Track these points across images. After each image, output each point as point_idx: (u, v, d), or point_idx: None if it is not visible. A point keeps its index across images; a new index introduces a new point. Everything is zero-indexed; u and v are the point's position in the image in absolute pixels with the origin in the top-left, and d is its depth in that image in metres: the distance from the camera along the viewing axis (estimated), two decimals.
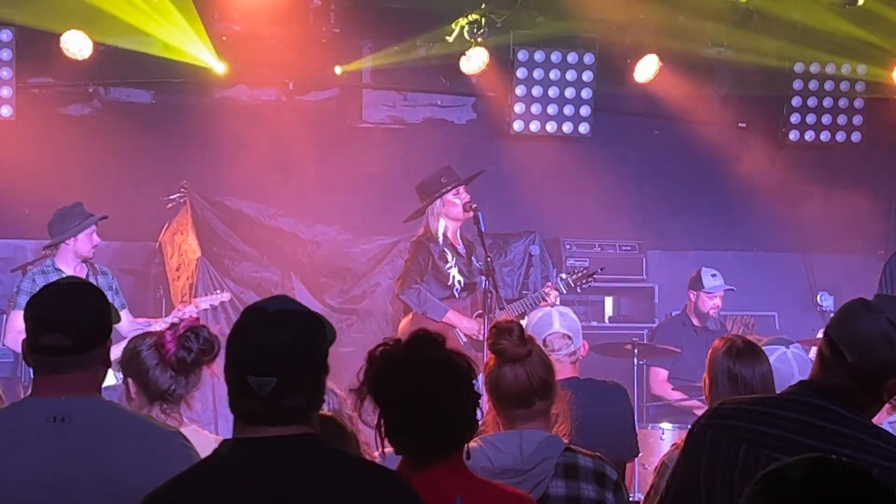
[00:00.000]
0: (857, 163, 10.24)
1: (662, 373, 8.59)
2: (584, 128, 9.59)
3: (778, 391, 4.14)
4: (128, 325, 7.43)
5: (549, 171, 9.61)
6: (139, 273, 9.22)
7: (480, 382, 3.61)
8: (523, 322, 5.28)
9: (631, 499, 5.95)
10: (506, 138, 9.72)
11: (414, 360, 2.90)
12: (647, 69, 9.45)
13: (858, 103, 9.99)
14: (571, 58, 9.50)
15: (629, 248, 9.78)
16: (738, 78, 10.19)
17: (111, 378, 4.73)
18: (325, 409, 3.39)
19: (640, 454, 5.63)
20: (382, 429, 2.89)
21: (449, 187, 7.60)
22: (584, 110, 9.58)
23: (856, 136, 10.03)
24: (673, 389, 8.50)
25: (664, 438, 7.27)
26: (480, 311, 7.43)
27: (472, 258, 7.75)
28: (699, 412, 3.43)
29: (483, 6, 9.10)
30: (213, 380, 4.28)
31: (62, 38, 8.50)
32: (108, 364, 3.09)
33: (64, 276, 6.23)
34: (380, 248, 9.30)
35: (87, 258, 7.60)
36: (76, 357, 2.99)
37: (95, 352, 3.03)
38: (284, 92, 9.63)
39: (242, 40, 9.10)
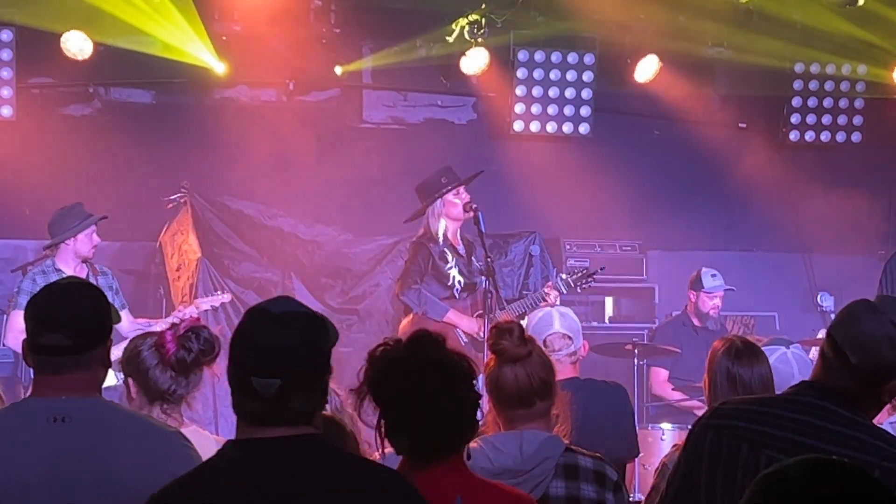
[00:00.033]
0: (857, 163, 10.24)
1: (663, 373, 8.59)
2: (584, 128, 9.59)
3: (778, 391, 4.14)
4: (128, 325, 7.43)
5: (550, 171, 9.61)
6: (139, 273, 9.22)
7: (481, 383, 3.61)
8: (523, 322, 5.28)
9: (631, 499, 5.95)
10: (506, 138, 9.72)
11: (414, 360, 2.90)
12: (647, 69, 9.45)
13: (859, 103, 9.99)
14: (571, 58, 9.50)
15: (629, 248, 9.78)
16: (738, 78, 10.19)
17: (112, 378, 4.74)
18: (327, 409, 3.39)
19: (640, 454, 5.62)
20: (382, 429, 2.89)
21: (449, 187, 7.60)
22: (585, 110, 9.58)
23: (856, 137, 10.03)
24: (673, 390, 8.49)
25: (664, 439, 7.27)
26: (481, 312, 7.43)
27: (472, 258, 7.76)
28: (699, 412, 3.42)
29: (483, 6, 9.10)
30: (214, 380, 4.28)
31: (62, 39, 8.50)
32: (108, 364, 3.09)
33: (64, 276, 6.24)
34: (380, 249, 9.31)
35: (87, 258, 7.60)
36: (76, 357, 2.99)
37: (95, 352, 3.03)
38: (285, 92, 9.63)
39: (243, 40, 9.10)
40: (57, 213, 7.60)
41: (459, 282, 7.67)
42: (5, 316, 7.91)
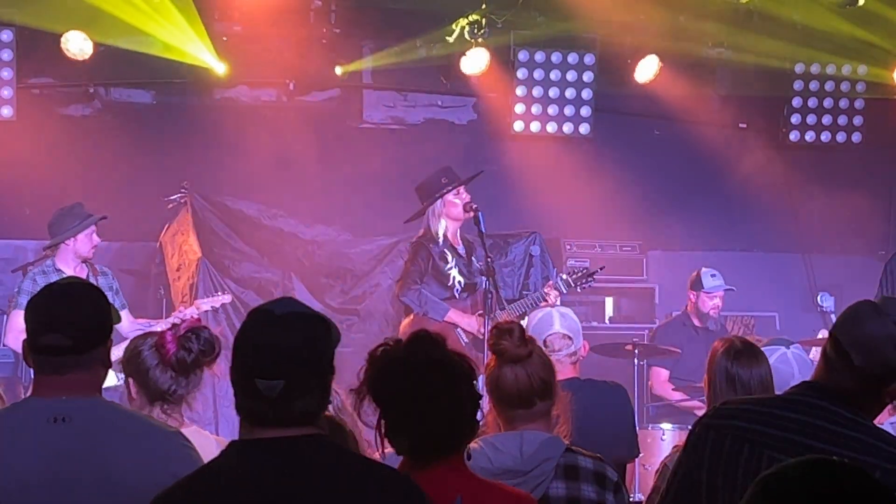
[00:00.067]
0: (857, 163, 10.24)
1: (664, 373, 8.59)
2: (584, 128, 9.60)
3: (778, 391, 4.14)
4: (128, 325, 7.43)
5: (550, 171, 9.61)
6: (140, 273, 9.23)
7: (481, 383, 3.61)
8: (524, 322, 5.28)
9: (631, 499, 5.96)
10: (506, 139, 9.72)
11: (414, 360, 2.90)
12: (647, 70, 9.45)
13: (859, 104, 9.99)
14: (572, 58, 9.51)
15: (630, 248, 9.79)
16: (738, 78, 10.20)
17: (112, 378, 4.74)
18: (328, 410, 3.39)
19: (640, 454, 5.62)
20: (382, 429, 2.89)
21: (449, 188, 7.61)
22: (585, 111, 9.58)
23: (856, 137, 10.03)
24: (674, 390, 8.50)
25: (664, 439, 7.27)
26: (481, 312, 7.43)
27: (472, 258, 7.76)
28: (700, 413, 3.42)
29: (483, 7, 9.10)
30: (214, 380, 4.29)
31: (63, 39, 8.50)
32: (108, 364, 3.09)
33: (64, 276, 6.24)
34: (380, 249, 9.31)
35: (87, 258, 7.60)
36: (76, 357, 2.99)
37: (96, 352, 3.03)
38: (285, 92, 9.63)
39: (243, 41, 9.10)
40: (57, 214, 7.60)
41: (459, 282, 7.68)
42: (5, 316, 7.91)
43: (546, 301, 7.63)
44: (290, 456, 2.47)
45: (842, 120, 10.00)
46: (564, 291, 7.87)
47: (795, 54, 9.81)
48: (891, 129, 10.02)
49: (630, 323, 9.54)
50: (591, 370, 5.82)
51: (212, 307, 7.95)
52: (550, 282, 8.08)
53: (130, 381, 3.91)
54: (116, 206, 8.38)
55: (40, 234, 8.05)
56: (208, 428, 6.64)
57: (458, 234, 7.78)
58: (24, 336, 3.07)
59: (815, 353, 7.97)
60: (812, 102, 9.95)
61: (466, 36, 9.15)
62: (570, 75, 9.51)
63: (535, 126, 9.53)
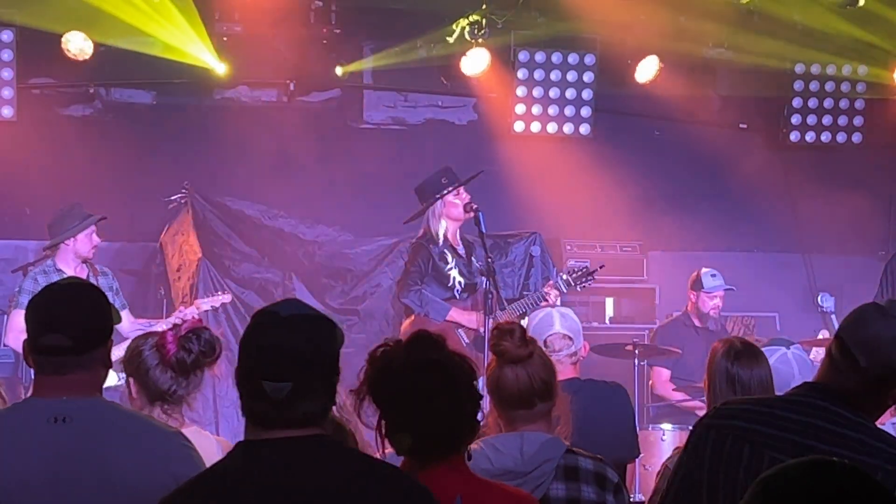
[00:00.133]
0: (857, 164, 10.24)
1: (665, 373, 8.59)
2: (584, 128, 9.60)
3: (779, 392, 4.14)
4: (129, 325, 7.44)
5: (550, 171, 9.61)
6: (140, 273, 9.23)
7: (482, 384, 3.61)
8: (524, 322, 5.28)
9: (631, 500, 5.95)
10: (507, 139, 9.72)
11: (414, 360, 2.90)
12: (647, 70, 9.45)
13: (859, 104, 9.98)
14: (572, 59, 9.51)
15: (630, 248, 9.79)
16: (738, 79, 10.19)
17: (113, 378, 4.74)
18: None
19: (640, 455, 5.62)
20: (383, 429, 2.89)
21: (450, 188, 7.61)
22: (585, 111, 9.58)
23: (856, 137, 10.03)
24: (675, 390, 8.50)
25: (665, 439, 7.27)
26: (482, 311, 7.43)
27: (472, 259, 7.76)
28: (701, 413, 3.43)
29: (484, 7, 9.10)
30: (214, 381, 4.29)
31: (63, 39, 8.50)
32: (108, 364, 3.09)
33: (65, 276, 6.24)
34: (380, 249, 9.32)
35: (87, 259, 7.61)
36: (77, 358, 2.99)
37: (96, 352, 3.03)
38: (285, 92, 9.63)
39: (243, 41, 9.10)
40: (56, 214, 7.61)
41: (460, 282, 7.68)
42: (6, 316, 7.92)
43: (546, 301, 7.63)
44: (296, 456, 2.48)
45: (842, 120, 10.00)
46: (564, 291, 7.87)
47: (795, 55, 9.81)
48: (891, 130, 10.02)
49: (630, 323, 9.54)
50: (591, 370, 5.83)
51: (212, 307, 7.95)
52: (551, 281, 8.08)
53: (131, 380, 3.91)
54: (117, 206, 8.39)
55: (41, 235, 8.06)
56: (208, 428, 6.64)
57: (458, 235, 7.78)
58: (24, 336, 3.07)
59: (816, 353, 7.98)
60: (812, 103, 9.95)
61: (467, 36, 9.15)
62: (571, 75, 9.51)
63: (535, 126, 9.53)
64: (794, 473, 1.81)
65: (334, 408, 3.87)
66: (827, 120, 9.99)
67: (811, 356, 7.67)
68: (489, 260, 7.22)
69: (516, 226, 9.47)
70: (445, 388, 2.89)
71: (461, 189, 7.64)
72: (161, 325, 7.30)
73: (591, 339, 6.30)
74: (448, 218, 7.65)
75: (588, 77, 9.54)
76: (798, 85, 9.92)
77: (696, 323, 8.69)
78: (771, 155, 10.32)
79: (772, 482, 1.81)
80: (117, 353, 3.43)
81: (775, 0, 9.33)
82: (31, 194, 8.88)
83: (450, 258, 7.65)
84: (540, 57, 9.48)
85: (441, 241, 7.64)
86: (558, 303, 7.79)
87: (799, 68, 9.86)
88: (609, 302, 9.70)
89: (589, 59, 9.53)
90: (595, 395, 4.90)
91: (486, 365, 3.71)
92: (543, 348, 3.96)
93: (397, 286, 7.88)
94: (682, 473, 2.91)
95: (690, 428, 3.03)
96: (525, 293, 8.53)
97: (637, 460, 6.33)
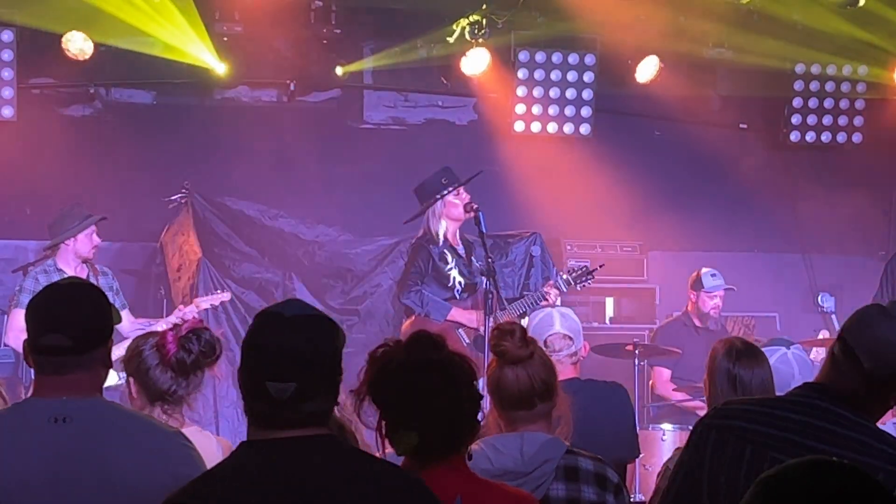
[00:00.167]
0: (857, 163, 10.24)
1: (666, 373, 8.58)
2: (584, 128, 9.60)
3: (779, 392, 4.14)
4: (129, 325, 7.45)
5: (550, 171, 9.61)
6: (140, 273, 9.24)
7: (483, 384, 3.61)
8: (524, 322, 5.28)
9: (632, 500, 5.95)
10: (507, 139, 9.72)
11: (413, 361, 2.90)
12: (647, 70, 9.45)
13: (859, 104, 9.99)
14: (572, 59, 9.51)
15: (630, 248, 9.79)
16: (738, 79, 10.20)
17: (113, 377, 4.74)
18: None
19: (641, 455, 5.62)
20: (383, 429, 2.89)
21: (450, 188, 7.61)
22: (585, 111, 9.58)
23: (857, 137, 10.03)
24: (675, 390, 8.50)
25: (665, 439, 7.27)
26: (482, 311, 7.42)
27: (472, 258, 7.76)
28: (702, 413, 3.42)
29: (484, 7, 9.10)
30: (215, 381, 4.29)
31: (63, 39, 8.50)
32: (109, 364, 3.09)
33: (65, 276, 6.24)
34: (381, 249, 9.32)
35: (88, 259, 7.62)
36: (77, 358, 2.99)
37: (96, 352, 3.03)
38: (285, 93, 9.63)
39: (243, 41, 9.10)
40: (57, 214, 7.62)
41: (460, 282, 7.68)
42: (6, 316, 7.92)
43: (546, 300, 7.63)
44: (301, 456, 2.48)
45: (842, 120, 10.00)
46: (564, 290, 7.87)
47: (796, 55, 9.81)
48: (891, 129, 10.02)
49: (631, 323, 9.54)
50: (591, 370, 5.82)
51: (211, 305, 7.96)
52: (550, 281, 8.08)
53: (131, 380, 3.91)
54: (117, 206, 8.40)
55: (41, 235, 8.06)
56: (209, 428, 6.63)
57: (458, 235, 7.78)
58: (24, 335, 3.07)
59: (816, 353, 7.99)
60: (812, 103, 9.95)
61: (467, 36, 9.15)
62: (571, 75, 9.51)
63: (535, 126, 9.54)
64: (794, 473, 1.81)
65: (335, 408, 3.87)
66: (827, 120, 9.99)
67: (811, 356, 7.67)
68: (489, 260, 7.22)
69: (516, 226, 9.47)
70: (445, 388, 2.89)
71: (461, 189, 7.64)
72: (161, 325, 7.31)
73: (591, 339, 6.31)
74: (448, 218, 7.65)
75: (588, 77, 9.54)
76: (798, 85, 9.92)
77: (697, 323, 8.69)
78: (771, 155, 10.33)
79: (772, 482, 1.81)
80: (117, 352, 3.43)
81: (775, 0, 9.33)
82: (31, 194, 8.89)
83: (450, 258, 7.65)
84: (540, 57, 9.48)
85: (441, 242, 7.64)
86: (558, 302, 7.79)
87: (799, 68, 9.87)
88: (609, 302, 9.70)
89: (589, 59, 9.53)
90: (595, 396, 4.90)
91: (486, 365, 3.70)
92: (544, 348, 3.96)
93: (397, 287, 7.88)
94: (683, 473, 2.91)
95: (691, 428, 3.03)
96: (525, 293, 8.52)
97: (637, 460, 6.33)
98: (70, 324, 2.99)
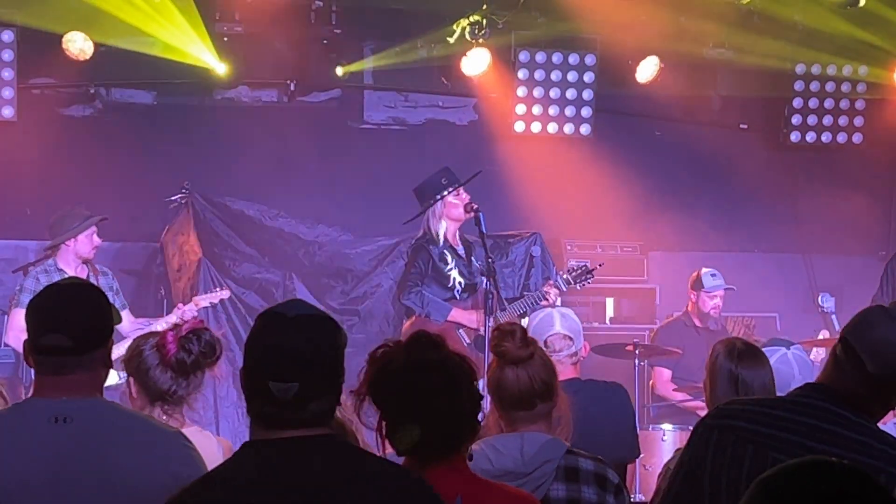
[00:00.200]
0: (857, 164, 10.24)
1: (666, 373, 8.58)
2: (585, 129, 9.60)
3: (779, 392, 4.14)
4: (129, 325, 7.46)
5: (551, 172, 9.61)
6: (141, 274, 9.24)
7: (483, 384, 3.62)
8: (524, 322, 5.28)
9: (632, 500, 5.95)
10: (507, 139, 9.72)
11: (414, 361, 2.91)
12: (648, 70, 9.45)
13: (860, 104, 9.98)
14: (573, 59, 9.51)
15: (630, 249, 9.79)
16: (739, 79, 10.19)
17: (114, 377, 4.74)
18: None
19: (641, 455, 5.62)
20: (383, 430, 2.89)
21: (449, 188, 7.61)
22: (586, 111, 9.58)
23: (857, 138, 10.03)
24: (675, 390, 8.50)
25: (665, 439, 7.27)
26: (482, 311, 7.42)
27: (472, 259, 7.76)
28: (702, 413, 3.42)
29: (484, 7, 9.10)
30: (215, 381, 4.29)
31: (63, 39, 8.50)
32: (109, 365, 3.09)
33: (66, 276, 6.25)
34: (381, 249, 9.32)
35: (88, 259, 7.62)
36: (77, 358, 2.99)
37: (97, 352, 3.03)
38: (286, 93, 9.63)
39: (244, 41, 9.10)
40: (57, 215, 7.62)
41: (460, 283, 7.68)
42: (6, 316, 7.93)
43: (546, 300, 7.63)
44: (304, 456, 2.48)
45: (842, 120, 10.00)
46: (564, 289, 7.87)
47: (796, 55, 9.81)
48: (891, 129, 10.01)
49: (631, 323, 9.53)
50: (591, 371, 5.83)
51: (210, 303, 7.96)
52: (550, 280, 8.08)
53: (131, 380, 3.92)
54: (117, 207, 8.39)
55: (41, 235, 8.06)
56: (209, 429, 6.63)
57: (458, 235, 7.78)
58: (24, 335, 3.08)
59: (816, 353, 7.99)
60: (813, 103, 9.95)
61: (467, 36, 9.15)
62: (571, 76, 9.51)
63: (535, 126, 9.53)
64: (793, 474, 1.80)
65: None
66: (827, 120, 9.99)
67: (811, 356, 7.67)
68: (490, 260, 7.22)
69: (516, 226, 9.47)
70: (445, 388, 2.89)
71: (461, 189, 7.64)
72: (160, 324, 7.32)
73: (591, 340, 6.30)
74: (448, 218, 7.65)
75: (588, 77, 9.54)
76: (798, 85, 9.92)
77: (697, 323, 8.69)
78: (771, 155, 10.32)
79: (771, 482, 1.81)
80: (117, 352, 3.43)
81: (776, 0, 9.33)
82: (31, 194, 8.89)
83: (450, 259, 7.65)
84: (540, 57, 9.48)
85: (441, 242, 7.64)
86: (558, 302, 7.79)
87: (799, 68, 9.86)
88: (609, 302, 9.70)
89: (589, 60, 9.53)
90: (595, 396, 4.90)
91: (486, 365, 3.70)
92: (544, 349, 3.96)
93: (398, 287, 7.88)
94: (684, 473, 2.91)
95: (691, 428, 3.02)
96: (525, 293, 8.52)
97: (637, 461, 6.33)
98: (70, 324, 2.99)
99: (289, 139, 9.60)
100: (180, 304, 7.85)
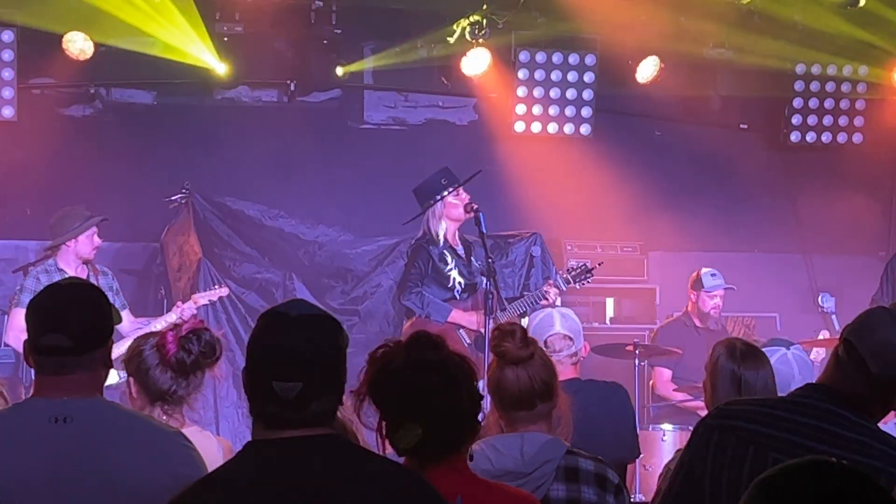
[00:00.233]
0: (857, 164, 10.24)
1: (667, 373, 8.58)
2: (585, 129, 9.60)
3: (779, 392, 4.14)
4: (129, 325, 7.46)
5: (551, 172, 9.61)
6: (141, 274, 9.24)
7: (483, 384, 3.62)
8: (524, 321, 5.28)
9: (632, 500, 5.95)
10: (507, 139, 9.72)
11: (413, 361, 2.91)
12: (648, 70, 9.45)
13: (859, 104, 9.98)
14: (573, 59, 9.51)
15: (630, 249, 9.79)
16: (739, 79, 10.19)
17: (114, 376, 4.74)
18: None
19: (641, 455, 5.62)
20: (383, 430, 2.89)
21: (449, 189, 7.61)
22: (586, 111, 9.58)
23: (857, 138, 10.03)
24: (675, 390, 8.50)
25: (665, 439, 7.27)
26: (482, 311, 7.42)
27: (472, 259, 7.76)
28: (703, 413, 3.42)
29: (484, 7, 9.10)
30: (215, 381, 4.28)
31: (64, 39, 8.50)
32: (109, 365, 3.09)
33: (66, 276, 6.25)
34: (381, 249, 9.32)
35: (89, 259, 7.63)
36: (77, 358, 2.99)
37: (97, 352, 3.03)
38: (286, 93, 9.63)
39: (244, 41, 9.10)
40: (58, 215, 7.62)
41: (460, 283, 7.68)
42: (6, 316, 7.93)
43: (546, 299, 7.63)
44: (306, 456, 2.48)
45: (842, 121, 10.00)
46: (564, 288, 7.87)
47: (796, 55, 9.81)
48: (891, 130, 10.02)
49: (631, 323, 9.53)
50: (591, 371, 5.83)
51: (209, 301, 7.96)
52: (550, 279, 8.08)
53: (131, 380, 3.92)
54: (117, 207, 8.40)
55: (41, 235, 8.06)
56: (209, 429, 6.64)
57: (457, 235, 7.78)
58: (24, 335, 3.08)
59: (816, 353, 7.99)
60: (813, 103, 9.95)
61: (467, 36, 9.15)
62: (571, 76, 9.51)
63: (535, 127, 9.53)
64: (792, 474, 1.81)
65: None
66: (827, 120, 9.99)
67: (811, 356, 7.67)
68: (490, 260, 7.21)
69: (516, 226, 9.47)
70: (445, 388, 2.89)
71: (461, 189, 7.64)
72: (160, 322, 7.33)
73: (591, 340, 6.30)
74: (448, 219, 7.65)
75: (588, 77, 9.54)
76: (798, 85, 9.92)
77: (697, 323, 8.69)
78: (771, 155, 10.32)
79: (771, 482, 1.81)
80: (117, 352, 3.43)
81: (776, 0, 9.33)
82: (31, 194, 8.88)
83: (449, 259, 7.65)
84: (540, 57, 9.48)
85: (441, 242, 7.64)
86: (558, 302, 7.79)
87: (799, 68, 9.86)
88: (609, 302, 9.70)
89: (589, 60, 9.53)
90: (595, 396, 4.90)
91: (486, 366, 3.70)
92: (544, 349, 3.96)
93: (398, 288, 7.88)
94: (684, 473, 2.91)
95: (691, 428, 3.02)
96: (525, 293, 8.53)
97: (637, 461, 6.33)
98: (70, 324, 2.99)
99: (289, 139, 9.60)
100: (179, 302, 7.85)
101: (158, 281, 9.06)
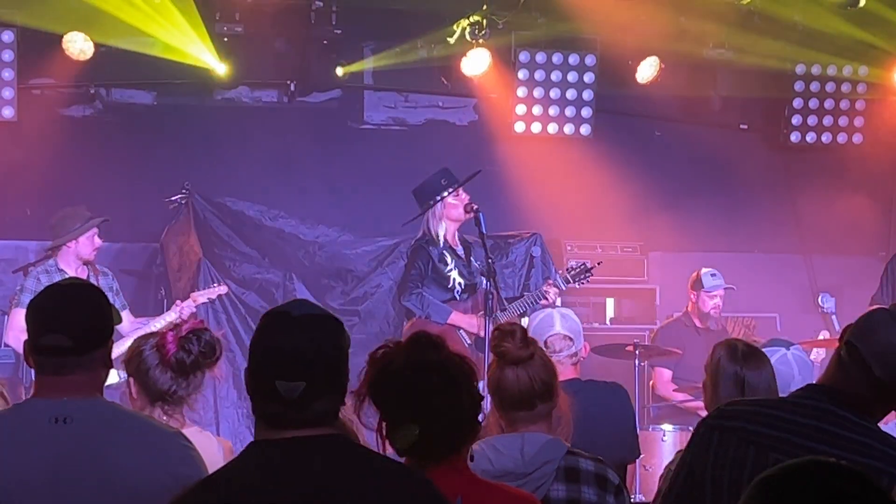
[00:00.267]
0: (857, 164, 10.24)
1: (667, 373, 8.58)
2: (585, 129, 9.59)
3: (779, 392, 4.14)
4: (129, 325, 7.46)
5: (551, 172, 9.61)
6: (141, 274, 9.23)
7: (483, 385, 3.62)
8: (524, 321, 5.28)
9: (632, 501, 5.95)
10: (507, 140, 9.72)
11: (413, 361, 2.91)
12: (648, 70, 9.45)
13: (859, 105, 9.98)
14: (573, 59, 9.50)
15: (630, 249, 9.78)
16: (739, 79, 10.19)
17: (114, 376, 4.74)
18: None
19: (641, 456, 5.62)
20: (383, 430, 2.89)
21: (449, 189, 7.61)
22: (586, 111, 9.58)
23: (857, 138, 10.03)
24: (675, 390, 8.50)
25: (665, 440, 7.27)
26: (482, 312, 7.43)
27: (471, 259, 7.76)
28: (703, 414, 3.42)
29: (484, 7, 9.10)
30: (215, 382, 4.28)
31: (63, 39, 8.50)
32: (109, 365, 3.09)
33: (66, 276, 6.25)
34: (381, 250, 9.32)
35: (89, 260, 7.63)
36: (77, 358, 3.00)
37: (97, 353, 3.03)
38: (286, 93, 9.63)
39: (244, 41, 9.10)
40: (59, 215, 7.63)
41: (460, 283, 7.68)
42: (6, 316, 7.93)
43: (546, 299, 7.63)
44: (308, 456, 2.48)
45: (842, 121, 10.00)
46: (563, 288, 7.86)
47: (796, 55, 9.80)
48: (891, 130, 10.02)
49: (631, 324, 9.53)
50: (591, 371, 5.83)
51: (208, 299, 7.96)
52: (549, 279, 8.08)
53: (131, 380, 3.92)
54: (117, 207, 8.40)
55: (41, 235, 8.06)
56: (209, 429, 6.64)
57: (457, 236, 7.78)
58: (24, 335, 3.08)
59: (816, 354, 7.99)
60: (813, 103, 9.94)
61: (467, 37, 9.15)
62: (571, 76, 9.51)
63: (536, 127, 9.53)
64: (793, 473, 1.80)
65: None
66: (827, 120, 9.99)
67: (811, 357, 7.67)
68: (490, 260, 7.21)
69: (516, 226, 9.47)
70: (445, 388, 2.89)
71: (460, 190, 7.64)
72: (159, 321, 7.34)
73: (591, 340, 6.30)
74: (448, 219, 7.65)
75: (588, 77, 9.54)
76: (798, 85, 9.92)
77: (697, 323, 8.69)
78: (771, 155, 10.32)
79: (771, 482, 1.81)
80: (117, 352, 3.43)
81: (776, 0, 9.33)
82: (31, 194, 8.88)
83: (449, 259, 7.65)
84: (540, 57, 9.48)
85: (441, 243, 7.64)
86: (558, 302, 7.79)
87: (799, 69, 9.86)
88: (609, 302, 9.70)
89: (589, 60, 9.53)
90: (595, 396, 4.90)
91: (487, 366, 3.71)
92: (544, 349, 3.96)
93: (398, 289, 7.87)
94: (685, 474, 2.90)
95: (691, 429, 3.02)
96: (525, 293, 8.53)
97: (637, 461, 6.32)
98: (70, 324, 2.99)
99: (289, 139, 9.60)
100: (178, 301, 7.85)
101: (158, 281, 9.06)
